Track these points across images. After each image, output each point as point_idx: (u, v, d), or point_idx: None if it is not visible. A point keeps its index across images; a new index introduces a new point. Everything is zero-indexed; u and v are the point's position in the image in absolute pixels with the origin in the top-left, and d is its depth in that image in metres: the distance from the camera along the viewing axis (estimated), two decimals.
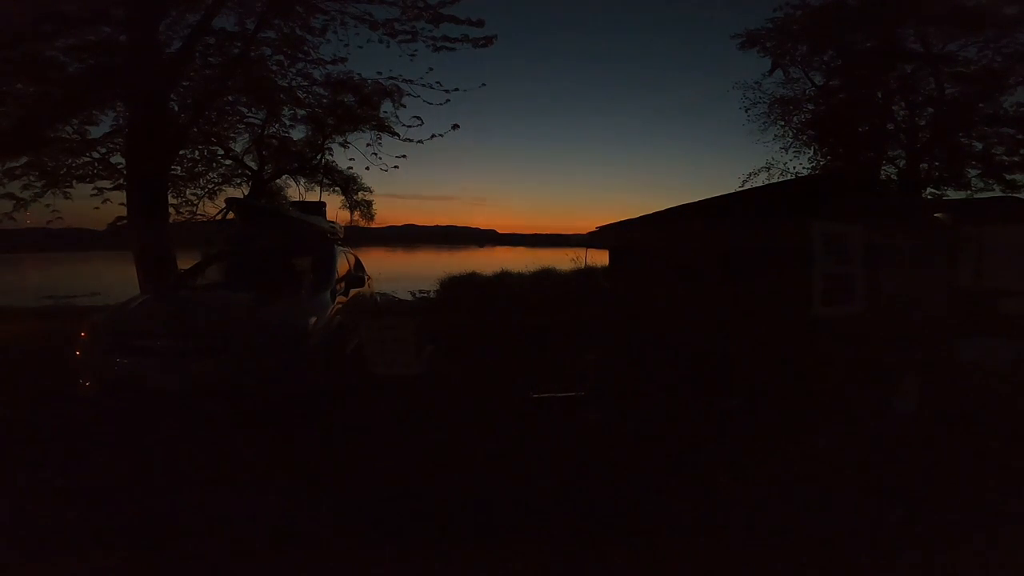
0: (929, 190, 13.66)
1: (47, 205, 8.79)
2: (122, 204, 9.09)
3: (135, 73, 7.83)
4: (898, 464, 3.45)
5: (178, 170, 10.06)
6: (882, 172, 14.05)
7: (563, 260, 17.75)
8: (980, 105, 12.72)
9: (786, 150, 15.46)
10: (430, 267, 24.54)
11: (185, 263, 7.68)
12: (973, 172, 13.36)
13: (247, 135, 10.99)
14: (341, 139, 11.55)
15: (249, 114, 10.48)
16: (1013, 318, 7.60)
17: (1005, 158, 12.98)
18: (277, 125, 11.15)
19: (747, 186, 15.45)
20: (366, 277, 6.83)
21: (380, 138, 11.23)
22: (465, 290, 12.65)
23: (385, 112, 11.01)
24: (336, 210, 12.30)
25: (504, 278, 13.99)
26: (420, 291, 13.84)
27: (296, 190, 12.33)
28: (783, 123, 15.30)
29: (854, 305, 7.24)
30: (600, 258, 17.40)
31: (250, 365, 4.05)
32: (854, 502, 2.95)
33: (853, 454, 3.60)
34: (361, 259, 7.00)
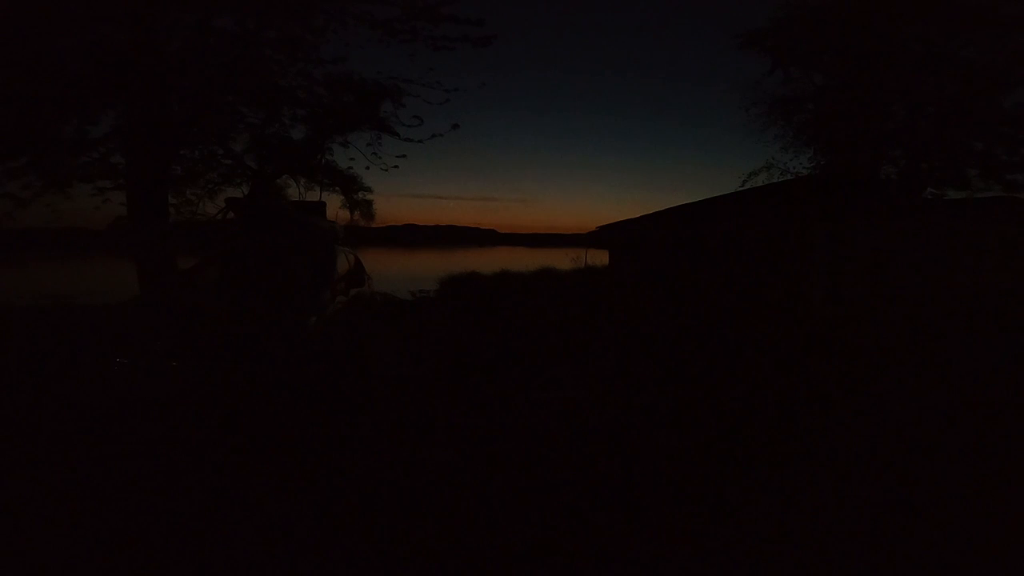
0: (929, 190, 13.68)
1: (47, 205, 8.77)
2: (122, 204, 9.08)
3: (135, 73, 7.82)
4: (892, 469, 3.45)
5: (178, 170, 10.04)
6: (882, 172, 14.07)
7: (563, 260, 17.80)
8: (980, 105, 12.72)
9: (786, 150, 15.49)
10: (430, 267, 24.55)
11: (185, 263, 7.68)
12: (973, 172, 13.38)
13: (247, 135, 10.97)
14: (341, 139, 11.55)
15: (249, 114, 10.46)
16: (1014, 316, 7.60)
17: (1005, 158, 12.99)
18: (277, 125, 11.12)
19: (747, 186, 15.50)
20: (366, 277, 6.83)
21: (380, 138, 11.24)
22: (465, 289, 12.66)
23: (385, 112, 11.01)
24: (336, 210, 12.30)
25: (504, 277, 14.02)
26: (420, 291, 13.86)
27: (296, 190, 12.31)
28: (783, 123, 15.33)
29: (854, 303, 7.25)
30: (600, 258, 17.43)
31: (250, 365, 4.05)
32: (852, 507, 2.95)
33: (850, 454, 3.59)
34: (361, 259, 7.00)
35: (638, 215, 15.42)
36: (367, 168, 12.85)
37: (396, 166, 11.50)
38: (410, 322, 8.88)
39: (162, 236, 8.73)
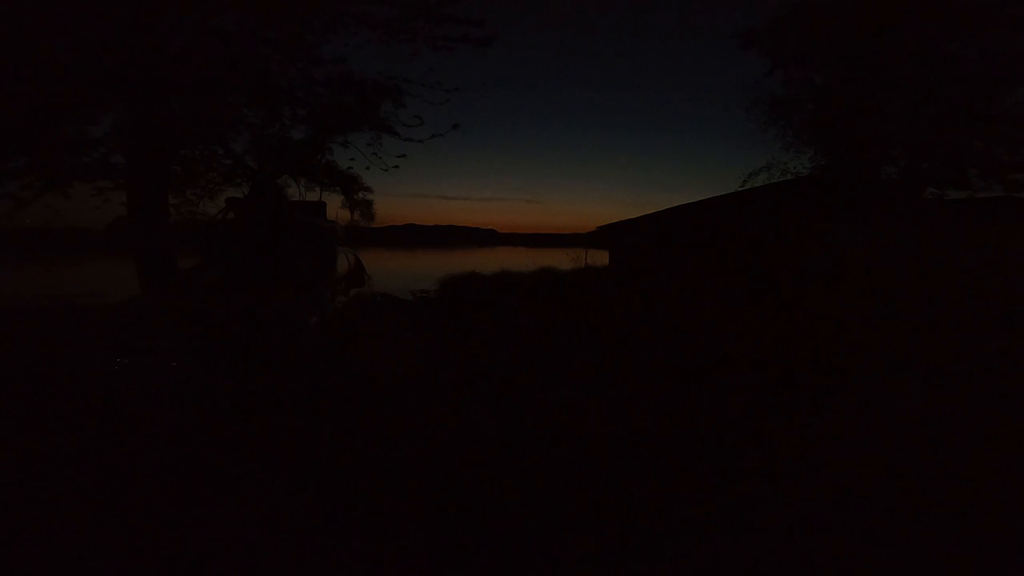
0: (929, 190, 13.66)
1: (47, 205, 8.79)
2: (122, 204, 9.09)
3: (135, 73, 7.83)
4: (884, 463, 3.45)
5: (178, 170, 10.05)
6: (882, 172, 14.05)
7: (563, 260, 17.80)
8: (980, 105, 12.72)
9: (786, 150, 15.45)
10: (430, 267, 24.57)
11: (185, 263, 7.68)
12: (973, 172, 13.36)
13: (247, 135, 10.96)
14: (341, 139, 11.54)
15: (249, 114, 10.45)
16: (1014, 317, 7.60)
17: (1005, 158, 12.97)
18: (277, 125, 11.12)
19: (747, 186, 15.48)
20: (366, 277, 6.84)
21: (380, 138, 11.24)
22: (465, 289, 12.67)
23: (385, 112, 11.01)
24: (336, 210, 12.28)
25: (504, 277, 14.02)
26: (420, 291, 13.86)
27: (296, 190, 12.29)
28: (783, 123, 15.29)
29: (854, 303, 7.24)
30: (600, 258, 17.45)
31: (250, 364, 4.05)
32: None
33: (852, 456, 3.60)
34: (361, 259, 7.01)
35: (638, 215, 15.42)
36: (367, 168, 12.82)
37: (396, 166, 11.51)
38: (410, 322, 8.88)
39: (162, 236, 8.74)
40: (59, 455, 3.46)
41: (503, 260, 20.26)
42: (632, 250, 14.85)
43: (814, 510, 2.88)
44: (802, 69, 14.76)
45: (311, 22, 9.04)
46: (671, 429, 4.03)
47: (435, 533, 2.62)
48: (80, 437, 3.75)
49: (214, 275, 5.85)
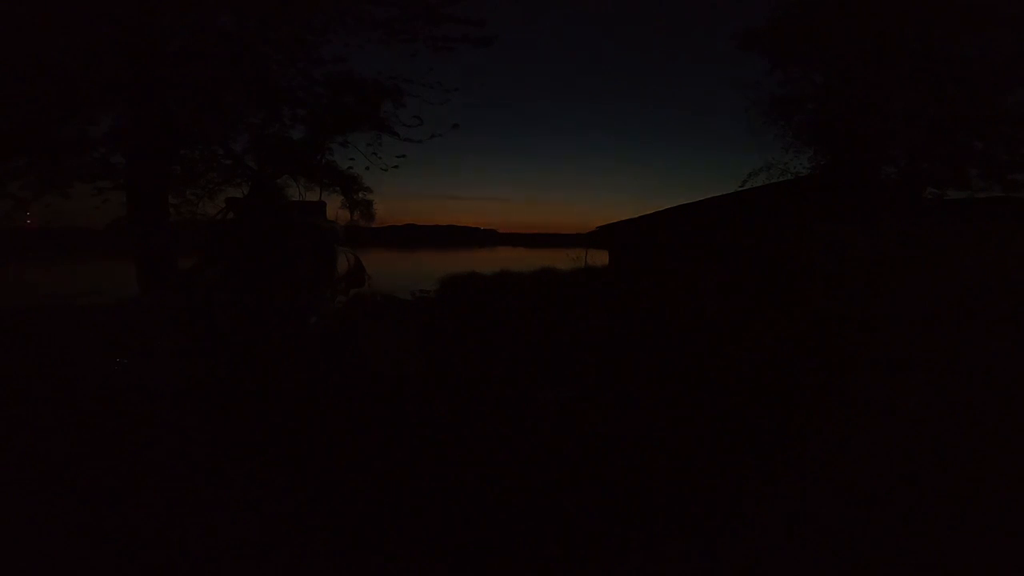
0: (929, 190, 13.68)
1: (47, 205, 8.81)
2: (122, 204, 9.10)
3: (135, 73, 7.84)
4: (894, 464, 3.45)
5: (178, 170, 10.05)
6: (882, 172, 14.06)
7: (563, 260, 17.79)
8: (980, 105, 12.72)
9: (786, 150, 15.47)
10: (430, 267, 24.56)
11: (185, 263, 7.68)
12: (973, 172, 13.37)
13: (247, 135, 10.97)
14: (341, 139, 11.54)
15: (249, 114, 10.46)
16: (1013, 317, 7.60)
17: (1005, 158, 12.98)
18: (277, 125, 11.12)
19: (747, 186, 15.49)
20: (366, 277, 6.84)
21: (380, 138, 11.24)
22: (465, 289, 12.66)
23: (385, 112, 11.02)
24: (336, 210, 12.28)
25: (504, 277, 14.02)
26: (420, 291, 13.86)
27: (296, 190, 12.29)
28: (783, 123, 15.31)
29: (854, 304, 7.23)
30: (600, 258, 17.45)
31: (249, 364, 4.05)
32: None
33: (852, 457, 3.59)
34: (361, 259, 7.01)
35: (638, 215, 15.42)
36: (367, 168, 12.78)
37: (396, 166, 11.52)
38: (410, 322, 8.87)
39: (162, 236, 8.75)
40: (59, 455, 3.45)
41: (503, 260, 20.29)
42: (632, 250, 14.84)
43: (814, 510, 2.88)
44: (802, 69, 14.78)
45: (311, 22, 9.05)
46: (671, 429, 4.02)
47: (435, 533, 2.62)
48: (80, 437, 3.75)
49: (214, 275, 5.85)
